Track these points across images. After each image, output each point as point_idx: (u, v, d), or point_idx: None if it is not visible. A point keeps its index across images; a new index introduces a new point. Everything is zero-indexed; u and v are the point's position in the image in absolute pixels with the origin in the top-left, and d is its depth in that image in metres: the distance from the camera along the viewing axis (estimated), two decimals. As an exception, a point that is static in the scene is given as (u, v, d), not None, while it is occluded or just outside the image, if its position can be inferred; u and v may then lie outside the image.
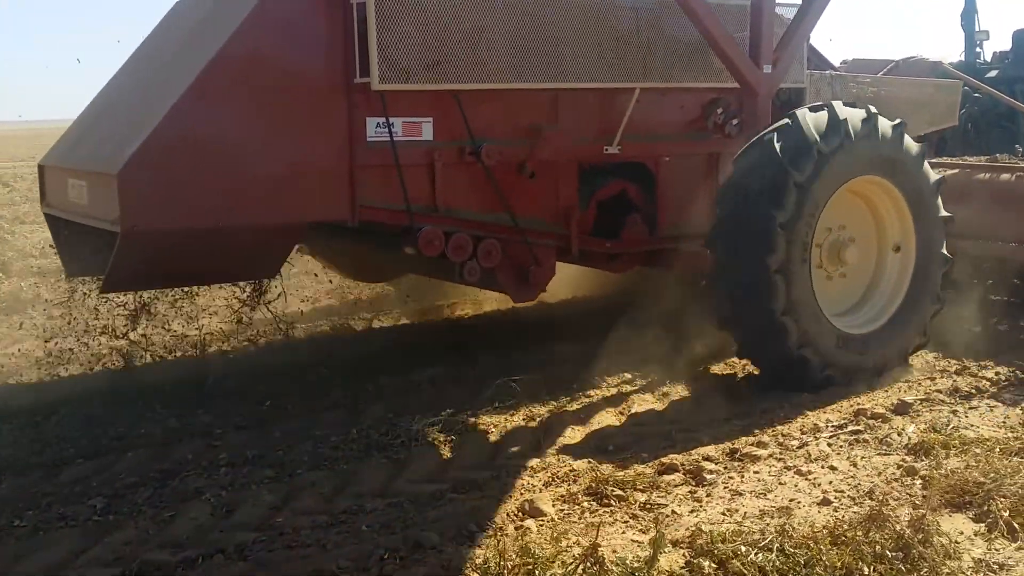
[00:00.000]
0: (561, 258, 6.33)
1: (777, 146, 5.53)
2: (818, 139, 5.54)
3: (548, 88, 5.86)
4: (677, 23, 6.22)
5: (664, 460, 4.56)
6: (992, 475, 4.14)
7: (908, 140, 5.98)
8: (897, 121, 5.95)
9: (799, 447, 4.76)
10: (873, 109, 5.88)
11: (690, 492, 4.26)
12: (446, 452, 4.92)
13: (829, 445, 4.78)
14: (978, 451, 4.52)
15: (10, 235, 12.47)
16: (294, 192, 5.08)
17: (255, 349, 6.97)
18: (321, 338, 7.34)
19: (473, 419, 5.35)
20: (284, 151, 5.02)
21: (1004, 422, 5.11)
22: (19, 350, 6.99)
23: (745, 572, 3.37)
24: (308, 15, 5.09)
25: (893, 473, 4.39)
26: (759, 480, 4.37)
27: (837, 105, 5.76)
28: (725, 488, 4.28)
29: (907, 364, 6.09)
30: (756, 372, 5.94)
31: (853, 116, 5.73)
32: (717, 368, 6.34)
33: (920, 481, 4.24)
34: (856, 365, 5.77)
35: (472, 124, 5.57)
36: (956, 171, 7.49)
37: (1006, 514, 3.85)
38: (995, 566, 3.56)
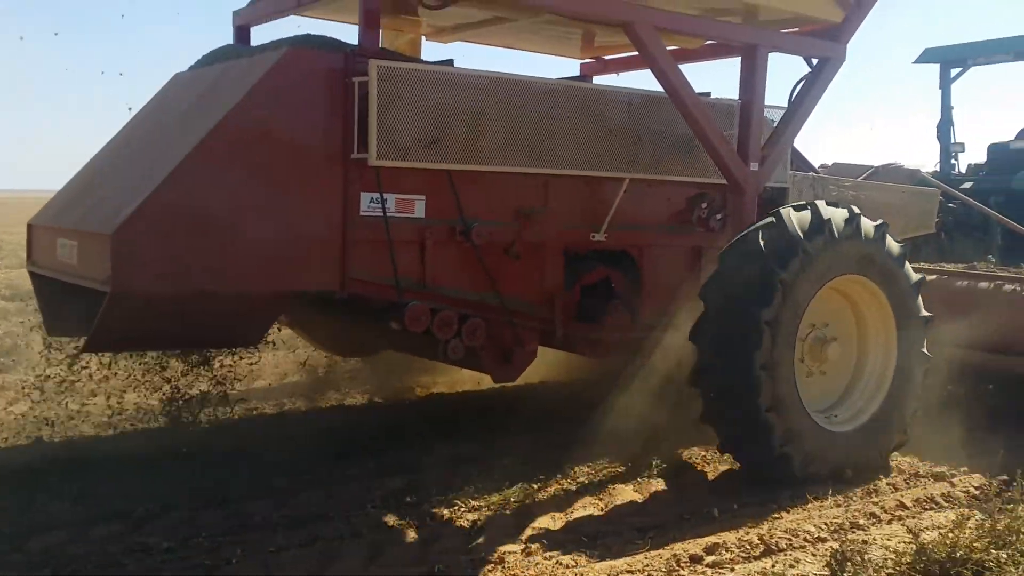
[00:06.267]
0: (544, 342, 6.38)
1: (762, 243, 5.62)
2: (803, 237, 5.63)
3: (540, 173, 5.97)
4: (667, 117, 6.40)
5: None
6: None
7: (890, 240, 6.10)
8: (879, 221, 6.08)
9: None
10: (856, 209, 5.99)
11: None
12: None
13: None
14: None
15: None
16: (286, 261, 5.12)
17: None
18: (287, 416, 7.25)
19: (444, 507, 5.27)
20: (279, 221, 5.06)
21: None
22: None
23: None
24: (310, 90, 5.19)
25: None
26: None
27: (821, 204, 5.87)
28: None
29: (888, 463, 6.10)
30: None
31: (836, 215, 5.84)
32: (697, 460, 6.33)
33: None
34: (839, 463, 5.78)
35: (464, 204, 5.66)
36: (935, 277, 7.67)
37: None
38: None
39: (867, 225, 5.96)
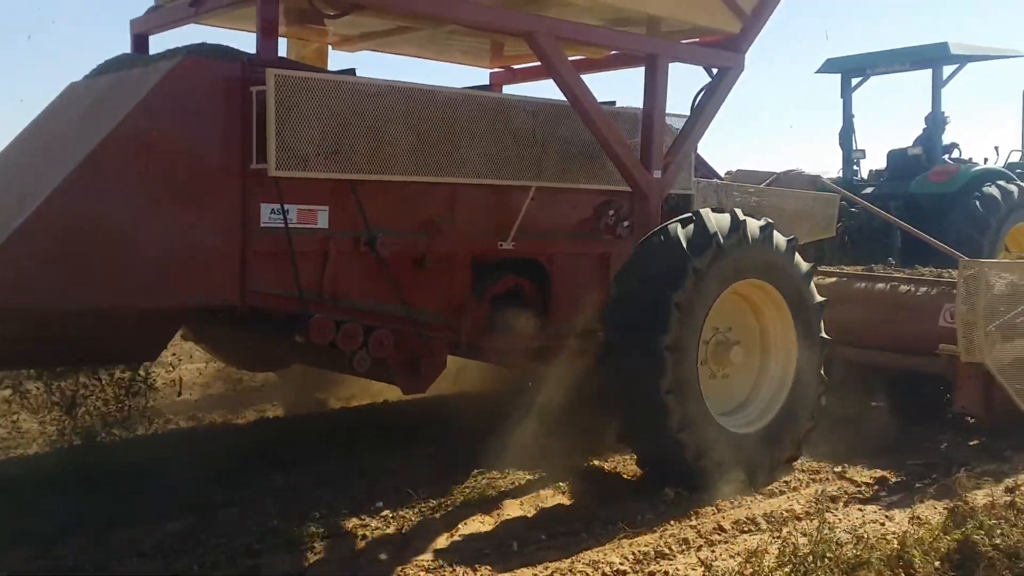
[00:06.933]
0: (453, 351, 6.35)
1: (680, 234, 5.78)
2: (719, 234, 5.79)
3: (445, 182, 5.95)
4: (572, 126, 6.44)
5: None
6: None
7: (799, 258, 6.30)
8: (791, 237, 6.27)
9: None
10: (770, 220, 6.18)
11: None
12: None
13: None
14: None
15: None
16: (183, 275, 4.99)
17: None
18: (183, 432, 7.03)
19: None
20: (175, 233, 4.93)
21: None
22: None
23: None
24: (206, 100, 5.08)
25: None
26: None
27: (738, 211, 6.08)
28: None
29: (774, 472, 6.14)
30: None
31: (752, 222, 6.04)
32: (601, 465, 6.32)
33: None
34: (729, 463, 5.82)
35: (368, 214, 5.60)
36: (835, 279, 7.89)
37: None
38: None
39: (779, 238, 6.17)
